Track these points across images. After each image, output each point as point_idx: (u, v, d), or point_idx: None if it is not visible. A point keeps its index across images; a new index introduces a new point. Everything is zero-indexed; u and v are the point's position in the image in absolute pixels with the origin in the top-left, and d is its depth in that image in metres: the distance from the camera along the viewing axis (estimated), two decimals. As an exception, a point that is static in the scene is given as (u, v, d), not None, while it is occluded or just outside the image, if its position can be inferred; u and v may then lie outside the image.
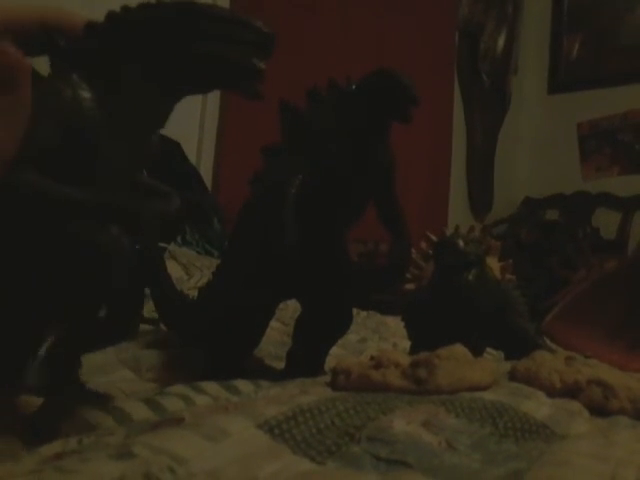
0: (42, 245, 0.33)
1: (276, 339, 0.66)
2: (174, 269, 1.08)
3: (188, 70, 0.33)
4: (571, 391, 0.43)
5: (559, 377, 0.44)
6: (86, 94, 0.32)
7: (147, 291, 0.64)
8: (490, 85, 3.07)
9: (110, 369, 0.44)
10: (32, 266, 0.34)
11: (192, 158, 1.70)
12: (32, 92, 0.30)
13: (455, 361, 0.40)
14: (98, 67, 0.32)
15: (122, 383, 0.45)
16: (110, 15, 0.33)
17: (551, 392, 0.43)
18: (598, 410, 0.42)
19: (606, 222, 2.99)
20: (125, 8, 0.33)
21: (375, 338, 0.84)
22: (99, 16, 0.34)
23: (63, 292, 0.35)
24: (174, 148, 1.51)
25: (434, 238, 0.62)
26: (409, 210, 0.52)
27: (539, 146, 3.31)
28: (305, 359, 0.53)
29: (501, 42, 3.12)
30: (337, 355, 0.60)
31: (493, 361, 0.61)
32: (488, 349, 0.67)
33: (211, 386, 0.43)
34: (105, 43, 0.33)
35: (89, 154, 0.32)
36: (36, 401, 0.38)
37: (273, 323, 0.58)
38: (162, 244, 1.16)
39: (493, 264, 0.61)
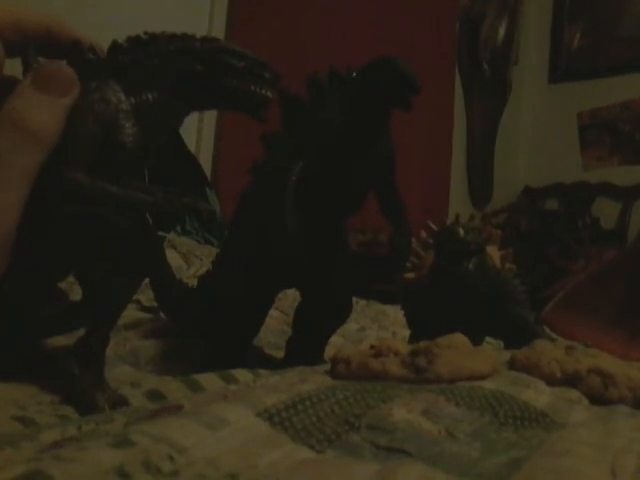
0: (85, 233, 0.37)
1: (276, 328, 0.66)
2: (173, 258, 1.08)
3: (214, 96, 0.39)
4: (571, 380, 0.43)
5: (559, 366, 0.44)
6: (125, 102, 0.36)
7: (147, 280, 0.64)
8: (491, 74, 3.06)
9: (108, 365, 0.44)
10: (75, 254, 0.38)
11: (191, 147, 1.69)
12: (81, 99, 0.34)
13: (455, 350, 0.40)
14: (128, 80, 0.36)
15: (122, 376, 0.45)
16: (137, 38, 0.37)
17: (551, 381, 0.43)
18: (598, 399, 0.42)
19: (606, 212, 2.99)
20: (152, 35, 0.37)
21: (375, 327, 0.84)
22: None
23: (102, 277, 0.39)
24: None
25: (434, 227, 0.62)
26: (409, 199, 0.52)
27: (539, 136, 3.30)
28: (304, 348, 0.53)
29: (502, 31, 3.11)
30: (336, 344, 0.60)
31: (493, 350, 0.61)
32: (488, 338, 0.67)
33: (209, 379, 0.43)
34: (136, 62, 0.37)
35: (127, 155, 0.35)
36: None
37: (272, 312, 0.58)
38: (161, 233, 1.16)
39: (493, 253, 0.61)
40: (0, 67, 0.35)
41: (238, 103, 0.39)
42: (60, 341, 0.46)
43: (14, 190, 0.32)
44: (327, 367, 0.42)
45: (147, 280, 0.63)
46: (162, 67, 0.37)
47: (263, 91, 0.39)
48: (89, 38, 0.37)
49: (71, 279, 0.42)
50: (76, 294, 0.43)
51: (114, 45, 0.37)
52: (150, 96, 0.37)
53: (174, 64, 0.37)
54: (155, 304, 0.66)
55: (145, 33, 0.37)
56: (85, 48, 0.36)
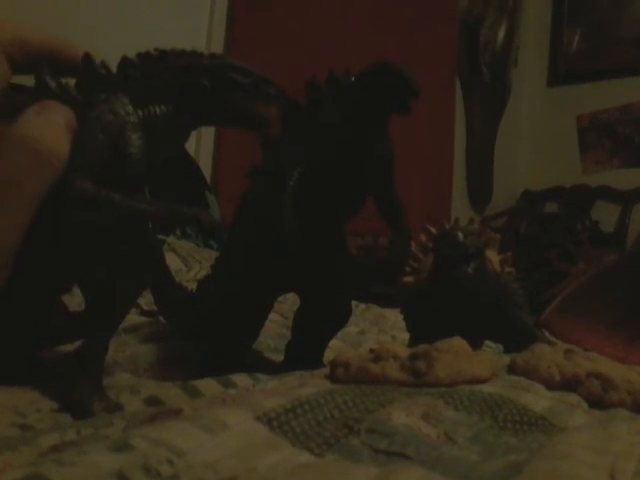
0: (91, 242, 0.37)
1: (275, 332, 0.66)
2: (173, 261, 1.08)
3: (220, 112, 0.40)
4: (570, 384, 0.43)
5: (558, 370, 0.44)
6: (133, 115, 0.36)
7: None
8: (490, 77, 3.06)
9: (107, 371, 0.44)
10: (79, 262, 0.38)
11: (191, 150, 1.69)
12: (90, 110, 0.35)
13: (454, 354, 0.40)
14: (137, 94, 0.37)
15: (121, 383, 0.45)
16: (147, 54, 0.38)
17: (550, 385, 0.43)
18: (597, 403, 0.42)
19: (605, 215, 2.98)
20: (162, 51, 0.38)
21: (374, 331, 0.84)
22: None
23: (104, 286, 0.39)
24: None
25: (434, 231, 0.62)
26: (409, 203, 0.52)
27: (539, 139, 3.30)
28: (304, 352, 0.53)
29: (501, 34, 3.11)
30: (336, 348, 0.60)
31: (492, 354, 0.61)
32: (487, 342, 0.67)
33: (207, 384, 0.43)
34: (145, 76, 0.38)
35: (133, 167, 0.36)
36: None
37: (272, 316, 0.58)
38: (161, 236, 1.16)
39: (492, 257, 0.61)
40: (6, 83, 0.36)
41: (243, 119, 0.40)
42: (60, 348, 0.45)
43: (23, 213, 0.33)
44: (326, 371, 0.42)
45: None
46: (170, 82, 0.38)
47: (268, 108, 0.40)
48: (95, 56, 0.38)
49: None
50: (77, 297, 0.43)
51: (124, 60, 0.38)
52: (158, 110, 0.38)
53: (182, 79, 0.38)
54: (155, 308, 0.66)
55: (155, 49, 0.38)
56: (96, 62, 0.37)
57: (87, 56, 0.37)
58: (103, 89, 0.36)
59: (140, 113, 0.37)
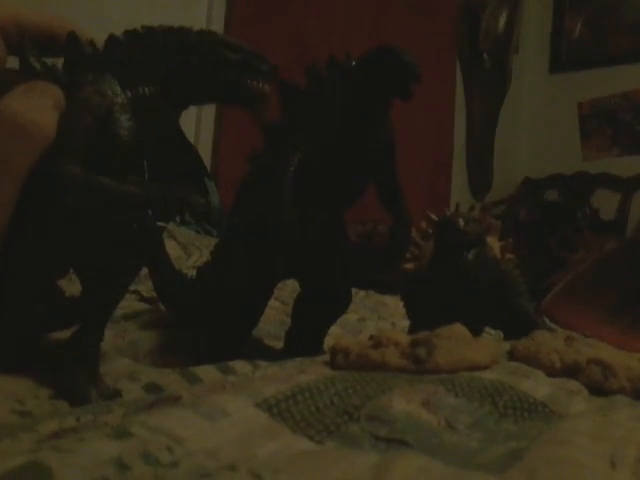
0: (82, 228, 0.36)
1: (275, 318, 0.66)
2: (173, 248, 1.08)
3: (210, 90, 0.39)
4: (571, 371, 0.43)
5: (559, 357, 0.44)
6: (121, 96, 0.36)
7: (146, 270, 0.64)
8: (491, 64, 3.05)
9: (107, 358, 0.44)
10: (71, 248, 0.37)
11: (190, 136, 1.69)
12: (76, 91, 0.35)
13: (454, 340, 0.40)
14: (124, 74, 0.36)
15: (121, 369, 0.45)
16: (134, 32, 0.37)
17: (551, 372, 0.43)
18: (597, 389, 0.42)
19: (606, 203, 2.99)
20: (149, 28, 0.37)
21: (374, 317, 0.84)
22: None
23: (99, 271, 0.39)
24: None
25: (434, 217, 0.62)
26: (409, 190, 0.52)
27: (539, 126, 3.30)
28: (304, 338, 0.53)
29: (502, 21, 3.09)
30: (336, 334, 0.60)
31: (492, 340, 0.61)
32: (487, 328, 0.67)
33: (207, 371, 0.43)
34: (132, 55, 0.37)
35: (123, 148, 0.35)
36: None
37: (272, 302, 0.58)
38: (161, 223, 1.15)
39: (493, 243, 0.61)
40: (2, 63, 0.36)
41: (235, 97, 0.39)
42: (59, 334, 0.45)
43: (10, 189, 0.32)
44: (326, 358, 0.42)
45: (147, 271, 0.63)
46: (158, 60, 0.37)
47: (260, 84, 0.39)
48: (88, 35, 0.37)
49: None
50: (77, 283, 0.43)
51: (111, 38, 0.37)
52: (146, 90, 0.37)
53: (170, 57, 0.37)
54: (154, 295, 0.66)
55: (142, 27, 0.37)
56: (82, 41, 0.36)
57: (73, 34, 0.36)
58: (90, 69, 0.35)
59: (128, 93, 0.36)
